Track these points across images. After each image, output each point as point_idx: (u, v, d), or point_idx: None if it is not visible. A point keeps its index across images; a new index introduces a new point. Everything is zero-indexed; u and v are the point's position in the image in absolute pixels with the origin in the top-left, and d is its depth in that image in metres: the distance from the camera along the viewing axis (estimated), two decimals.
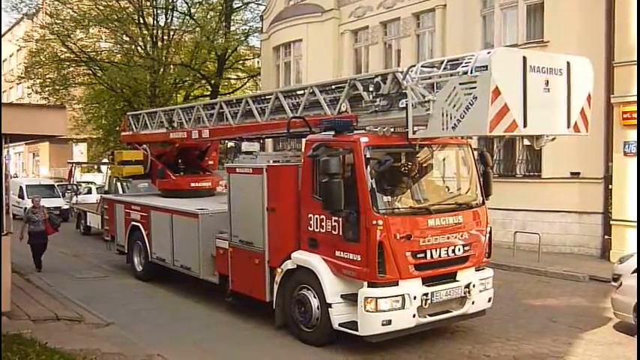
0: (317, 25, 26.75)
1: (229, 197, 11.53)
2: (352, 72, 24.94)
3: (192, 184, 16.06)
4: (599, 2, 17.15)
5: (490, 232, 10.18)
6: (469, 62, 7.97)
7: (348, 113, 10.15)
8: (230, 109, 13.36)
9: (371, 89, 9.69)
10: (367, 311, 8.81)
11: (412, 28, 23.37)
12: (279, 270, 10.24)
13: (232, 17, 37.67)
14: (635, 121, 16.26)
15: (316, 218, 9.59)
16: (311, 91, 11.12)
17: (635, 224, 15.36)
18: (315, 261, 9.58)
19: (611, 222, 17.02)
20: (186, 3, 35.60)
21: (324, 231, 9.48)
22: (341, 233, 9.16)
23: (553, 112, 8.50)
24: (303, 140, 10.35)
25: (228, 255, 11.52)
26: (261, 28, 32.35)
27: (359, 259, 8.95)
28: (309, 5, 27.26)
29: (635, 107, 16.16)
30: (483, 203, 10.13)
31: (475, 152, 10.44)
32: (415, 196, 9.68)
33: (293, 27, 27.41)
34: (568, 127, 8.72)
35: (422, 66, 8.95)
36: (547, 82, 8.23)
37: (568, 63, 8.57)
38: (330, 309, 9.27)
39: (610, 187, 17.10)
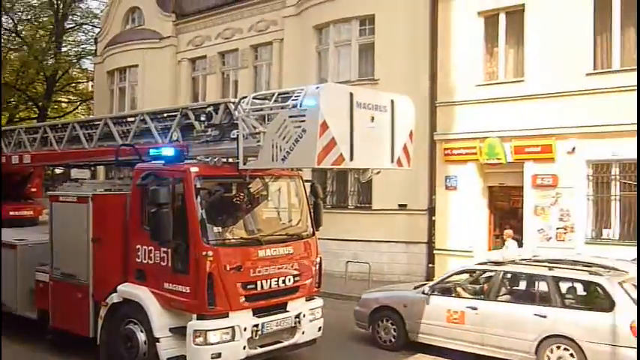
0: (154, 51, 26.31)
1: (51, 227, 10.90)
2: (189, 100, 24.71)
3: (12, 213, 14.94)
4: (424, 46, 18.32)
5: (320, 263, 10.34)
6: (299, 96, 8.16)
7: (179, 142, 9.97)
8: (55, 134, 12.66)
9: (203, 119, 9.60)
10: (196, 345, 8.60)
11: (250, 60, 23.66)
12: (104, 304, 9.74)
13: (64, 38, 36.05)
14: (455, 157, 17.51)
15: (144, 249, 9.27)
16: (142, 118, 10.84)
17: (455, 252, 16.52)
18: (142, 294, 9.23)
19: (434, 251, 18.04)
20: (13, 20, 33.56)
21: (152, 262, 9.18)
22: (170, 264, 8.92)
23: (378, 147, 8.87)
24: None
25: (49, 289, 10.82)
26: (95, 50, 31.21)
27: (188, 290, 8.74)
28: (146, 31, 26.75)
29: (454, 144, 17.44)
30: (314, 234, 10.30)
31: (307, 184, 10.63)
32: (246, 227, 9.65)
33: (129, 52, 26.73)
34: (392, 161, 9.14)
35: (253, 98, 9.03)
36: (372, 118, 8.60)
37: (392, 101, 9.02)
38: (157, 343, 8.94)
39: (433, 218, 18.15)
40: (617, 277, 9.83)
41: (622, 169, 15.32)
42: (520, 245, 15.58)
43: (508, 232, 15.55)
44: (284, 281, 9.48)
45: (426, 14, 18.31)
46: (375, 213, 19.04)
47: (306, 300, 10.08)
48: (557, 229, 15.96)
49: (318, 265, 10.24)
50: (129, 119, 11.55)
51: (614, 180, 15.42)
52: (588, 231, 15.66)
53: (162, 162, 9.35)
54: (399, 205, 18.60)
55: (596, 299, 9.84)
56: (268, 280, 9.24)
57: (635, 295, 9.38)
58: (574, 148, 15.62)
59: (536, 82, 16.18)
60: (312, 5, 20.41)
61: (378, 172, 9.44)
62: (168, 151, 9.30)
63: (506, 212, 18.05)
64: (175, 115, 10.26)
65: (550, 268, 10.40)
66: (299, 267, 9.74)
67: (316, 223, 10.42)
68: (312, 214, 10.40)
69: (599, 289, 9.75)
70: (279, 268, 9.39)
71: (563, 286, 10.18)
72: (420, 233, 18.43)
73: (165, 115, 10.78)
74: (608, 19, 15.49)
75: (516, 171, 16.68)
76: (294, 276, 9.65)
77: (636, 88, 13.47)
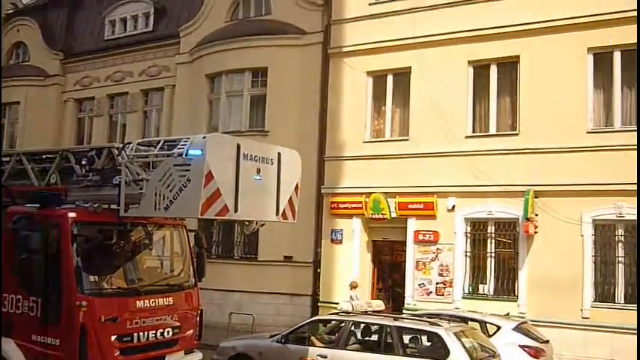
0: (38, 89, 25.35)
1: None
2: (74, 142, 23.88)
3: None
4: (315, 101, 18.72)
5: (201, 314, 10.10)
6: (185, 144, 8.07)
7: (57, 186, 9.55)
8: None
9: (84, 163, 9.26)
10: None
11: (140, 104, 23.25)
12: None
13: None
14: (341, 211, 17.82)
15: (12, 298, 8.70)
16: (18, 158, 10.31)
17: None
18: (7, 346, 8.62)
19: (319, 303, 18.08)
20: None
21: (20, 312, 8.61)
22: (39, 315, 8.41)
23: (263, 200, 8.88)
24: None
25: None
26: None
27: (58, 343, 8.25)
28: (32, 67, 25.78)
29: (341, 198, 17.78)
30: (196, 285, 10.07)
31: (191, 233, 10.44)
32: (125, 277, 9.28)
33: (11, 88, 25.51)
34: (277, 214, 9.16)
35: (138, 144, 8.83)
36: (258, 171, 8.62)
37: (279, 154, 9.11)
38: None
39: (318, 270, 18.26)
40: (454, 329, 10.50)
41: (497, 227, 16.12)
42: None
43: (353, 282, 16.08)
44: (163, 334, 9.16)
45: (318, 70, 18.77)
46: (260, 264, 18.92)
47: (185, 353, 9.77)
48: (437, 283, 16.50)
49: (198, 317, 10.00)
50: (4, 159, 10.96)
51: (489, 237, 16.17)
52: (466, 286, 16.26)
53: (38, 206, 8.91)
54: (285, 257, 18.61)
55: (434, 348, 10.45)
56: (146, 333, 8.89)
57: (468, 346, 10.15)
58: (454, 206, 16.31)
59: (420, 142, 16.87)
60: (206, 54, 20.44)
61: (263, 224, 9.43)
62: (44, 195, 8.89)
63: (389, 266, 18.46)
64: (55, 157, 9.85)
65: (395, 319, 11.10)
66: (179, 319, 9.46)
67: (199, 273, 10.19)
68: (195, 264, 10.18)
69: (437, 339, 10.39)
70: (157, 320, 9.07)
71: (406, 336, 10.80)
72: (304, 285, 18.45)
73: (44, 156, 10.31)
74: (486, 86, 16.49)
75: (400, 226, 17.17)
76: (174, 328, 9.34)
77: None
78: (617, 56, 15.05)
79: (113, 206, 8.84)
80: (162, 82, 22.60)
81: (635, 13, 14.32)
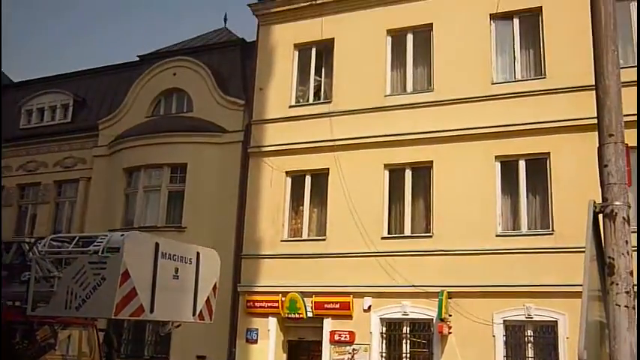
0: None
1: None
2: None
3: None
4: (233, 199, 18.76)
5: None
6: (101, 242, 7.93)
7: None
8: None
9: None
10: None
11: (52, 196, 22.62)
12: None
13: None
14: (257, 310, 17.57)
15: None
16: None
17: None
18: None
19: None
20: None
21: None
22: None
23: (180, 300, 8.74)
24: None
25: None
26: None
27: None
28: None
29: (257, 297, 17.57)
30: None
31: (101, 332, 10.05)
32: None
33: None
34: (194, 314, 9.01)
35: (52, 240, 8.60)
36: (177, 270, 8.53)
37: (198, 253, 9.05)
38: None
39: None
40: None
41: (412, 327, 16.26)
42: None
43: None
44: None
45: (237, 168, 18.92)
46: None
47: None
48: None
49: None
50: None
51: (405, 338, 16.27)
52: None
53: None
54: (198, 357, 17.99)
55: None
56: None
57: None
58: (370, 307, 16.39)
59: (336, 242, 17.07)
60: (126, 148, 20.33)
61: (179, 326, 9.22)
62: None
63: None
64: None
65: None
66: None
67: None
68: None
69: None
70: None
71: None
72: None
73: None
74: (401, 189, 17.06)
75: (316, 326, 17.05)
76: None
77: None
78: (522, 164, 15.96)
79: (19, 304, 8.50)
80: (78, 173, 22.17)
81: (541, 125, 15.40)
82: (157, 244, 8.22)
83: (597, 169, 4.95)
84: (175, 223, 18.95)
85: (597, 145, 4.89)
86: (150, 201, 19.71)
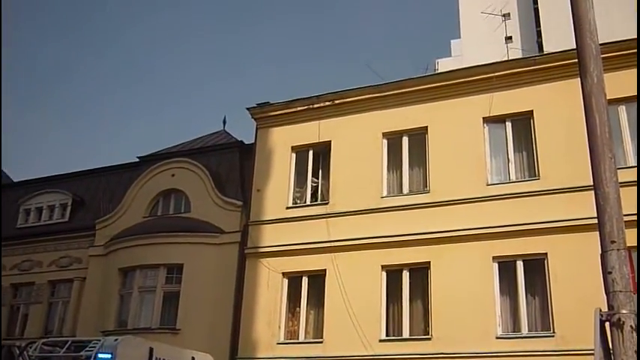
0: None
1: None
2: None
3: None
4: (229, 301, 18.48)
5: None
6: (94, 347, 7.77)
7: None
8: None
9: None
10: None
11: (46, 296, 22.30)
12: None
13: None
14: None
15: None
16: None
17: None
18: None
19: None
20: None
21: None
22: None
23: None
24: None
25: None
26: None
27: None
28: None
29: None
30: None
31: None
32: None
33: None
34: None
35: (43, 344, 8.44)
36: None
37: (193, 358, 8.87)
38: None
39: None
40: None
41: None
42: None
43: None
44: None
45: (234, 269, 18.77)
46: None
47: None
48: None
49: None
50: None
51: None
52: None
53: None
54: None
55: None
56: None
57: None
58: None
59: (333, 345, 16.73)
60: (122, 248, 20.25)
61: None
62: None
63: None
64: None
65: None
66: None
67: None
68: None
69: None
70: None
71: None
72: None
73: None
74: (399, 290, 16.88)
75: None
76: None
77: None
78: (519, 265, 15.90)
79: None
80: (73, 273, 21.97)
81: (536, 226, 15.46)
82: (151, 349, 8.08)
83: (596, 270, 4.96)
84: (170, 325, 18.56)
85: (599, 249, 4.89)
86: (144, 302, 19.40)
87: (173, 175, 21.03)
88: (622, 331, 4.44)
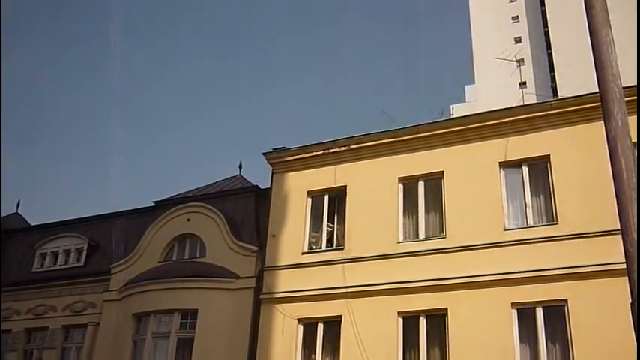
0: None
1: None
2: None
3: None
4: (243, 346, 18.21)
5: None
6: None
7: None
8: None
9: None
10: None
11: (59, 341, 22.16)
12: None
13: None
14: None
15: None
16: None
17: None
18: None
19: None
20: None
21: None
22: None
23: None
24: None
25: None
26: None
27: None
28: None
29: None
30: None
31: None
32: None
33: None
34: None
35: None
36: None
37: None
38: None
39: None
40: None
41: None
42: None
43: None
44: None
45: (248, 314, 18.57)
46: None
47: None
48: None
49: None
50: None
51: None
52: None
53: None
54: None
55: None
56: None
57: None
58: None
59: None
60: (136, 292, 20.16)
61: None
62: None
63: None
64: None
65: None
66: None
67: None
68: None
69: None
70: None
71: None
72: None
73: None
74: (415, 338, 16.60)
75: None
76: None
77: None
78: (539, 312, 15.61)
79: None
80: (86, 318, 21.87)
81: (556, 272, 15.25)
82: None
83: (618, 317, 4.84)
84: None
85: (629, 299, 4.76)
86: (158, 348, 19.17)
87: (189, 220, 21.06)
88: None
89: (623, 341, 11.88)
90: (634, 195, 4.77)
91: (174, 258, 21.07)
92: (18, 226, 27.26)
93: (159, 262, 20.91)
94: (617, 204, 4.90)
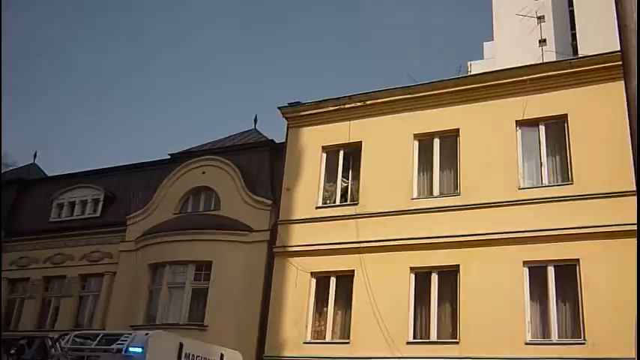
0: None
1: None
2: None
3: None
4: (257, 299, 18.50)
5: None
6: (125, 340, 7.85)
7: None
8: None
9: (12, 352, 8.83)
10: None
11: (76, 289, 22.58)
12: None
13: None
14: None
15: None
16: None
17: None
18: None
19: None
20: None
21: None
22: None
23: None
24: None
25: None
26: None
27: None
28: None
29: None
30: None
31: None
32: None
33: None
34: None
35: (75, 336, 8.54)
36: None
37: (222, 354, 8.92)
38: None
39: None
40: None
41: None
42: None
43: None
44: None
45: (262, 267, 18.81)
46: None
47: None
48: None
49: None
50: None
51: None
52: None
53: None
54: None
55: None
56: None
57: None
58: None
59: (360, 346, 16.67)
60: (152, 244, 20.42)
61: None
62: None
63: None
64: None
65: None
66: None
67: None
68: None
69: None
70: None
71: None
72: None
73: None
74: (427, 293, 16.79)
75: None
76: None
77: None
78: (550, 270, 15.69)
79: None
80: (103, 268, 22.23)
81: (569, 231, 15.26)
82: (180, 344, 8.13)
83: (629, 277, 4.85)
84: (198, 322, 18.67)
85: (636, 256, 4.78)
86: (173, 298, 19.54)
87: (204, 173, 21.17)
88: None
89: (633, 302, 11.92)
90: None
91: (189, 211, 21.25)
92: (35, 177, 27.53)
93: (174, 214, 21.11)
94: (635, 161, 4.88)
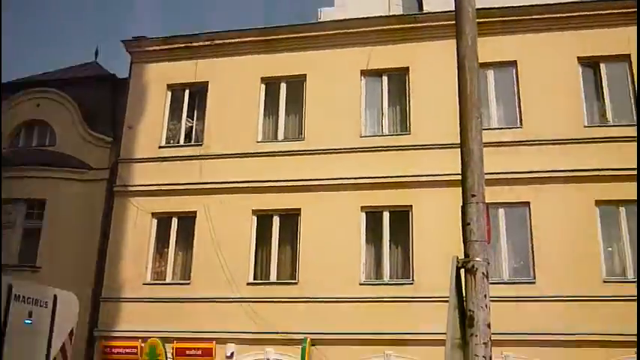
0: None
1: None
2: None
3: None
4: (94, 239, 17.88)
5: None
6: None
7: None
8: None
9: None
10: None
11: None
12: None
13: None
14: (114, 356, 16.73)
15: None
16: None
17: None
18: None
19: None
20: None
21: None
22: None
23: (33, 346, 8.22)
24: None
25: None
26: None
27: None
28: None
29: (115, 342, 16.78)
30: None
31: None
32: None
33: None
34: None
35: None
36: (30, 314, 8.04)
37: (55, 296, 8.59)
38: None
39: None
40: None
41: None
42: None
43: None
44: None
45: (101, 207, 18.18)
46: None
47: None
48: None
49: None
50: None
51: None
52: None
53: None
54: None
55: None
56: None
57: None
58: (233, 353, 16.13)
59: (200, 287, 16.77)
60: None
61: None
62: None
63: None
64: None
65: None
66: None
67: None
68: None
69: None
70: None
71: None
72: None
73: None
74: (268, 235, 17.15)
75: None
76: None
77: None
78: (386, 216, 16.55)
79: None
80: None
81: (404, 179, 16.12)
82: (9, 286, 7.73)
83: (457, 224, 5.25)
84: (30, 262, 17.77)
85: (460, 203, 5.19)
86: (3, 238, 18.39)
87: (38, 106, 19.81)
88: (475, 277, 4.80)
89: (458, 246, 12.93)
90: (475, 110, 5.15)
91: (20, 145, 19.91)
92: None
93: (3, 148, 19.69)
94: (460, 116, 5.27)
